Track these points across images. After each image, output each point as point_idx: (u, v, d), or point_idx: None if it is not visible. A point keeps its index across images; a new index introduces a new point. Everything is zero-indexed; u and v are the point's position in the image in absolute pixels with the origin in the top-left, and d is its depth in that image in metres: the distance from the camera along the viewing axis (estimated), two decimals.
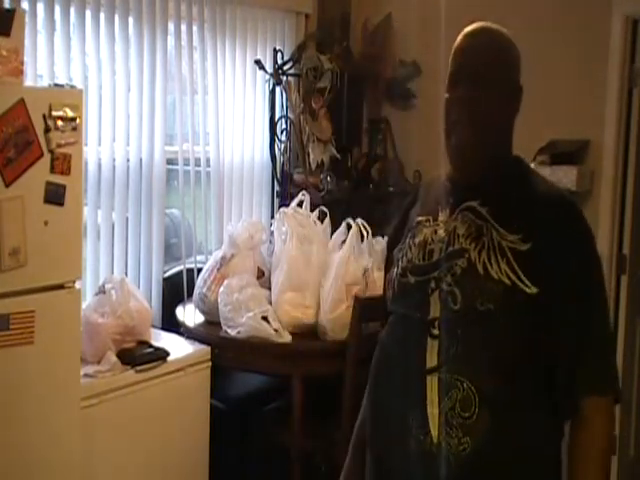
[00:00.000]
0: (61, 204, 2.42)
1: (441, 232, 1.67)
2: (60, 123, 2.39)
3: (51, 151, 2.38)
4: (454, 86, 1.71)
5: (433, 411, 1.56)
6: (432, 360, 1.57)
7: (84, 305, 2.86)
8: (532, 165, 3.60)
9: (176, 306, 3.44)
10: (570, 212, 1.63)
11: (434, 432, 1.55)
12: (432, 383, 1.56)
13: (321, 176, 3.77)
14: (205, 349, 3.09)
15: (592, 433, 1.55)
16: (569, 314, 1.56)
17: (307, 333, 3.10)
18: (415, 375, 1.59)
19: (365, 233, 3.33)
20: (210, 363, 3.09)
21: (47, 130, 2.36)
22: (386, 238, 3.61)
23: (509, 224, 1.58)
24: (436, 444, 1.55)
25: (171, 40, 3.47)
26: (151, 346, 2.96)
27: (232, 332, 3.06)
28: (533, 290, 1.52)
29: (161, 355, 2.93)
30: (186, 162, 3.58)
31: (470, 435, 1.53)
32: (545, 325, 1.54)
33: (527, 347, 1.55)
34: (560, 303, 1.54)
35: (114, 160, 3.26)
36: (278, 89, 3.84)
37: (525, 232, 1.56)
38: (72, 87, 2.62)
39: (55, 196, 2.40)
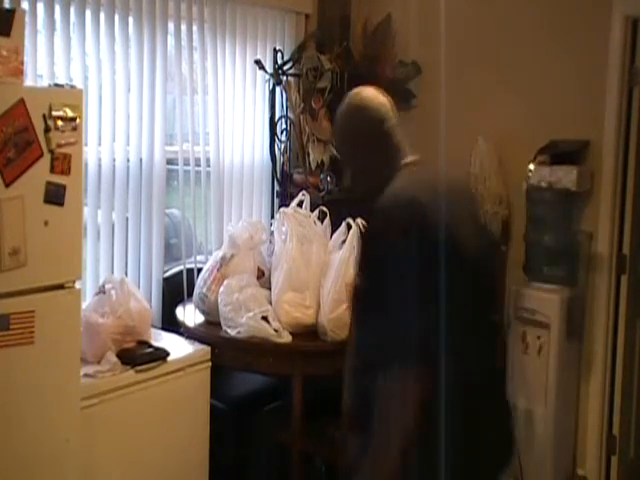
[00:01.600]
0: (61, 204, 2.42)
1: None
2: (60, 123, 2.39)
3: (51, 151, 2.38)
4: None
5: None
6: None
7: (84, 305, 2.86)
8: (531, 166, 3.62)
9: (176, 306, 3.44)
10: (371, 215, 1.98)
11: None
12: None
13: (321, 176, 3.77)
14: (205, 349, 3.10)
15: None
16: None
17: (307, 333, 3.10)
18: None
19: None
20: (210, 363, 3.09)
21: (47, 130, 2.36)
22: None
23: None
24: None
25: (171, 40, 3.47)
26: (151, 346, 2.96)
27: (232, 332, 3.06)
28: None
29: (161, 355, 2.93)
30: (186, 162, 3.58)
31: None
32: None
33: None
34: None
35: (114, 160, 3.26)
36: (278, 89, 3.84)
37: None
38: (72, 87, 2.62)
39: (55, 196, 2.41)
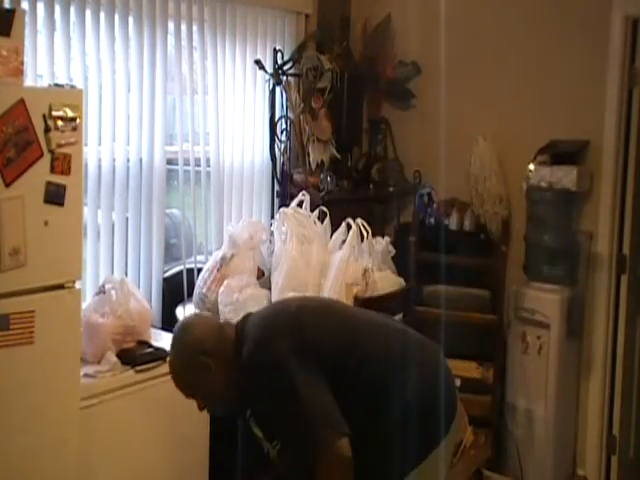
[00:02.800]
0: (61, 204, 2.42)
1: None
2: (60, 123, 2.39)
3: (51, 151, 2.38)
4: None
5: None
6: None
7: (84, 305, 2.86)
8: (531, 166, 3.63)
9: (176, 306, 3.43)
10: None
11: None
12: None
13: (321, 176, 3.77)
14: None
15: None
16: None
17: None
18: None
19: (365, 233, 3.33)
20: None
21: (47, 130, 2.36)
22: (386, 238, 3.65)
23: None
24: None
25: (171, 40, 3.47)
26: (151, 346, 2.96)
27: None
28: None
29: (161, 355, 2.92)
30: (186, 162, 3.57)
31: None
32: None
33: None
34: None
35: (114, 160, 3.25)
36: (278, 89, 3.84)
37: None
38: (72, 87, 2.62)
39: (55, 196, 2.40)
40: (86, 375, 2.68)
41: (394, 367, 2.16)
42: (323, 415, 2.04)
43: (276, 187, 3.96)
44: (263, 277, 3.36)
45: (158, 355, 2.92)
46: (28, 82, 2.66)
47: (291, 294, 3.13)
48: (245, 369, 2.14)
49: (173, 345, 2.26)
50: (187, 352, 2.21)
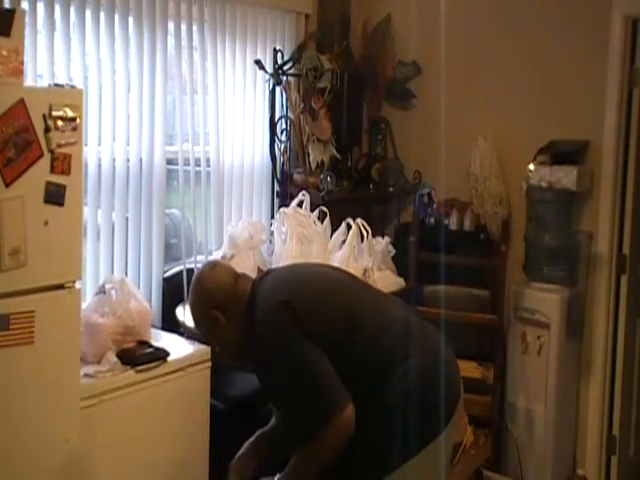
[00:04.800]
0: (61, 204, 2.42)
1: None
2: (60, 123, 2.39)
3: (51, 151, 2.38)
4: None
5: None
6: None
7: (84, 305, 2.86)
8: (531, 166, 3.63)
9: (176, 306, 3.43)
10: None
11: None
12: None
13: (321, 176, 3.77)
14: (205, 349, 3.09)
15: None
16: None
17: None
18: None
19: (365, 233, 3.34)
20: (210, 363, 3.08)
21: (47, 130, 2.36)
22: (386, 238, 3.65)
23: None
24: None
25: (171, 40, 3.47)
26: (151, 346, 2.96)
27: None
28: None
29: (161, 355, 2.93)
30: (186, 162, 3.57)
31: None
32: None
33: None
34: None
35: (114, 160, 3.25)
36: (278, 89, 3.84)
37: None
38: (72, 87, 2.62)
39: (55, 196, 2.40)
40: (86, 375, 2.68)
41: (396, 350, 2.17)
42: (328, 385, 2.08)
43: (276, 187, 3.97)
44: None
45: (158, 355, 2.92)
46: (28, 82, 2.66)
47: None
48: (253, 330, 2.19)
49: (190, 294, 2.35)
50: (199, 304, 2.30)
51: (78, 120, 2.45)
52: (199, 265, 3.54)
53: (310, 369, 2.10)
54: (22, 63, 2.37)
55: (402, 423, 2.07)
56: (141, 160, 3.37)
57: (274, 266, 3.27)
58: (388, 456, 2.10)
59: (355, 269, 3.16)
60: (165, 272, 3.55)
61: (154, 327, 3.20)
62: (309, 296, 2.23)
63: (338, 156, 3.97)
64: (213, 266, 2.40)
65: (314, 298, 2.23)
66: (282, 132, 3.91)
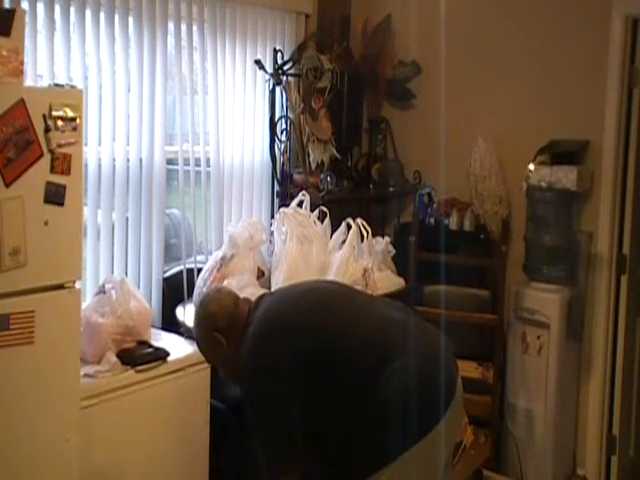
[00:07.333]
0: (61, 204, 2.42)
1: None
2: (60, 123, 2.39)
3: (51, 151, 2.38)
4: None
5: None
6: None
7: (84, 305, 2.86)
8: (531, 166, 3.63)
9: (176, 306, 3.43)
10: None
11: None
12: None
13: (321, 176, 3.77)
14: None
15: None
16: None
17: None
18: None
19: (365, 233, 3.34)
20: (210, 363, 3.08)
21: (47, 130, 2.36)
22: (386, 238, 3.65)
23: None
24: None
25: (171, 40, 3.47)
26: (151, 346, 2.96)
27: None
28: None
29: (161, 355, 2.93)
30: (186, 162, 3.57)
31: None
32: None
33: None
34: None
35: (114, 160, 3.25)
36: (278, 89, 3.84)
37: None
38: (72, 87, 2.62)
39: (55, 196, 2.40)
40: (86, 375, 2.68)
41: (385, 351, 2.18)
42: (279, 449, 2.18)
43: (276, 187, 3.97)
44: (263, 277, 3.37)
45: (158, 355, 2.92)
46: (28, 82, 2.66)
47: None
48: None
49: (194, 318, 2.44)
50: (202, 327, 2.37)
51: (78, 120, 2.45)
52: (199, 265, 3.55)
53: (268, 426, 2.19)
54: (22, 63, 2.37)
55: (392, 423, 2.08)
56: (141, 160, 3.37)
57: (272, 267, 3.28)
58: (381, 453, 2.11)
59: (355, 269, 3.16)
60: (165, 272, 3.55)
61: (154, 327, 3.20)
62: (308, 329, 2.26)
63: (338, 156, 3.98)
64: (218, 290, 2.52)
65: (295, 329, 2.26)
66: (282, 132, 3.91)
